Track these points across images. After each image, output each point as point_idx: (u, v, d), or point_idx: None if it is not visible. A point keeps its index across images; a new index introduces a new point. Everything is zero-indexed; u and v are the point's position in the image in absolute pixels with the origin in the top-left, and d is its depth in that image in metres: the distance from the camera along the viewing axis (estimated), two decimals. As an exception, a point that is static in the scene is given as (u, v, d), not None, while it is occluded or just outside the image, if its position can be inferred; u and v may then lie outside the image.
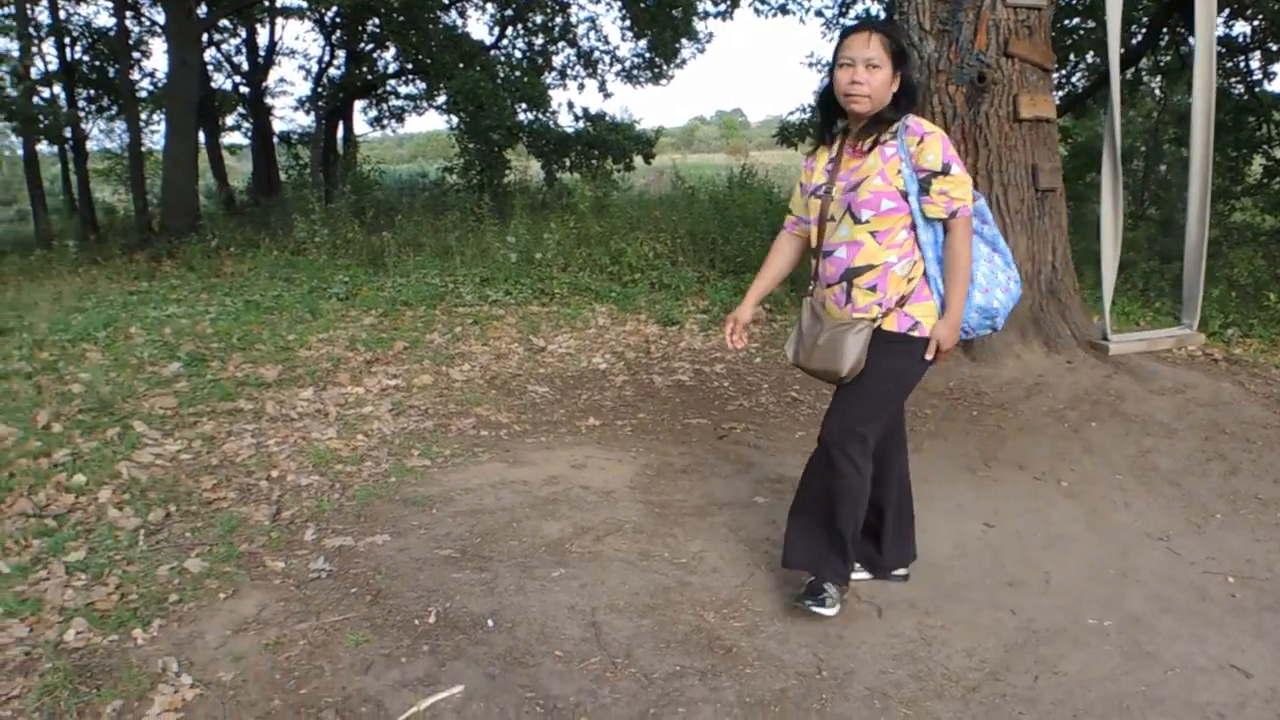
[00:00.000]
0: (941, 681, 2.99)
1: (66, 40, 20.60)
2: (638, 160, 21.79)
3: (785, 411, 5.75)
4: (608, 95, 27.56)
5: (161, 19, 19.66)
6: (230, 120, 25.75)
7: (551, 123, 21.17)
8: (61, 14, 20.20)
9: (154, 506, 4.35)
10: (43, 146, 22.09)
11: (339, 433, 5.33)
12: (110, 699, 2.92)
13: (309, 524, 4.17)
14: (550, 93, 21.14)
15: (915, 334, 3.14)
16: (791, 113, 18.96)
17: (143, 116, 21.38)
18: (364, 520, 4.22)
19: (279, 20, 22.76)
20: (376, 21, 22.09)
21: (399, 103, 25.47)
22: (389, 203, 17.09)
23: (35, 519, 4.29)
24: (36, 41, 19.40)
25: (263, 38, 23.53)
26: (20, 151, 22.41)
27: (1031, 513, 4.30)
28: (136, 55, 21.35)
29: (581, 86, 38.09)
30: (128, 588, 3.64)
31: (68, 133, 20.42)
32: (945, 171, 3.03)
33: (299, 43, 65.94)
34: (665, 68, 22.88)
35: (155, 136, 22.70)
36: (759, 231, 10.80)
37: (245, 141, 26.26)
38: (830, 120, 3.29)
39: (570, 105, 27.70)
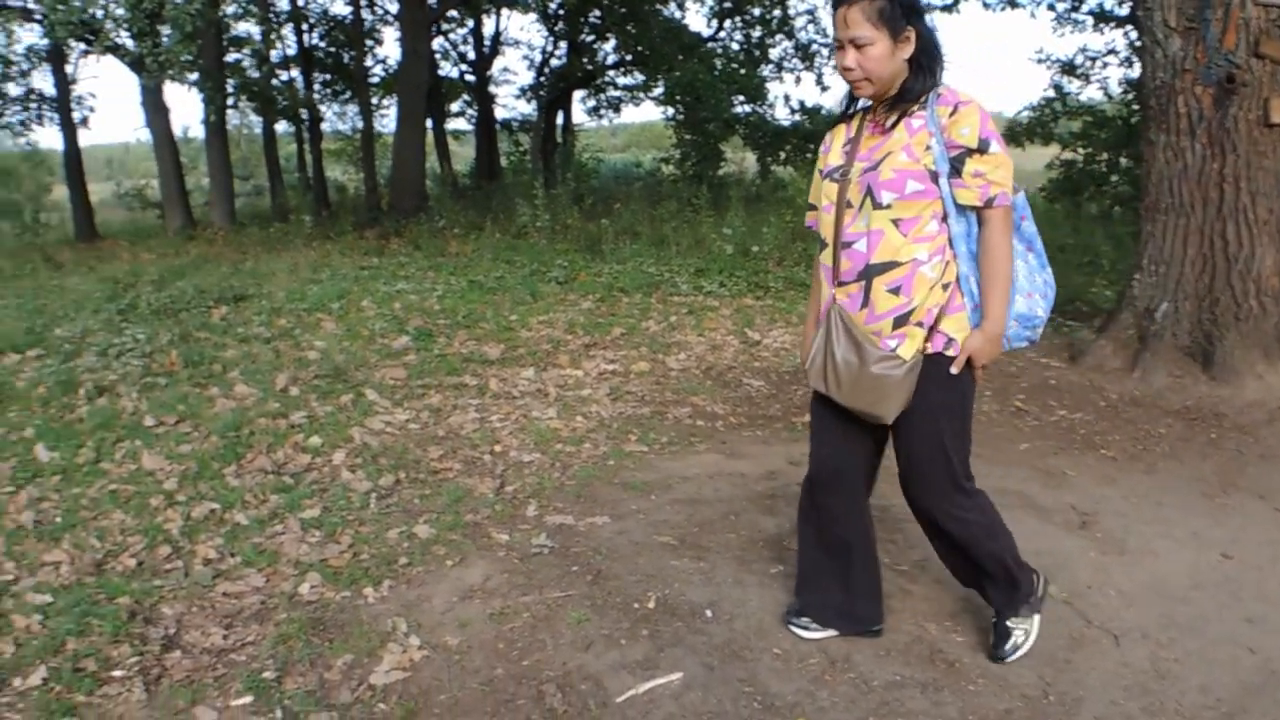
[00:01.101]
0: (1174, 718, 2.76)
1: (304, 27, 21.76)
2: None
3: (1009, 421, 5.48)
4: (825, 88, 27.22)
5: (394, 9, 20.54)
6: (454, 107, 26.69)
7: (768, 115, 21.05)
8: (300, 1, 21.35)
9: (384, 472, 4.49)
10: (280, 126, 23.46)
11: (559, 413, 5.38)
12: (341, 652, 3.01)
13: (530, 500, 4.22)
14: (766, 85, 21.04)
15: (951, 354, 2.66)
16: (1020, 111, 18.19)
17: (373, 101, 22.39)
18: (584, 501, 4.24)
19: (504, 11, 23.39)
20: (598, 13, 22.46)
21: (617, 93, 25.82)
22: (606, 191, 17.34)
23: (273, 475, 4.49)
24: (276, 27, 20.58)
25: (488, 28, 24.26)
26: (259, 130, 23.85)
27: (1273, 545, 3.95)
28: (369, 43, 22.38)
29: (798, 79, 37.81)
30: (359, 547, 3.75)
31: (304, 114, 21.62)
32: (983, 149, 2.51)
33: (523, 33, 67.79)
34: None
35: (384, 120, 23.80)
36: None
37: (468, 128, 27.16)
38: (853, 97, 2.74)
39: (786, 98, 27.47)
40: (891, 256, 2.59)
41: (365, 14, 21.29)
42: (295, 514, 4.05)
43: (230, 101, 19.58)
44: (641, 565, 3.62)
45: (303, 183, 22.63)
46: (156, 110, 17.11)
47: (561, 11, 22.37)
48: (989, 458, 4.88)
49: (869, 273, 2.62)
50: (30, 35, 19.86)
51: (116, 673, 2.94)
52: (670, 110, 19.86)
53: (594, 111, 26.47)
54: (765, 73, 22.36)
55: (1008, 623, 3.00)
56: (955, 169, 2.54)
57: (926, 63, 2.58)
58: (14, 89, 18.08)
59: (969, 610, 3.31)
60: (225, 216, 17.10)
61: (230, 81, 18.49)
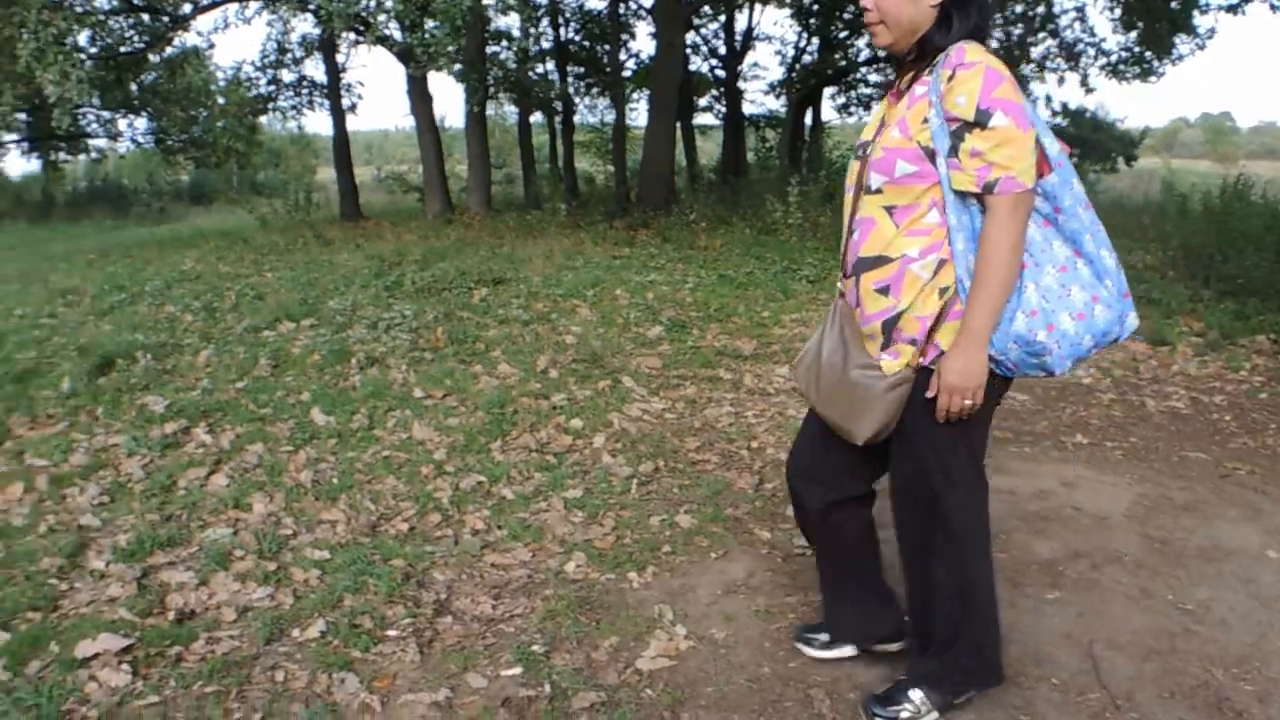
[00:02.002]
0: None
1: (560, 21, 22.36)
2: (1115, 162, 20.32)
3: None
4: (1089, 90, 25.96)
5: (648, 3, 20.83)
6: (703, 101, 26.87)
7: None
8: (557, -4, 21.94)
9: (644, 459, 4.56)
10: (534, 117, 24.22)
11: (813, 413, 5.33)
12: (608, 634, 3.07)
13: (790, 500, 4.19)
14: (1029, 85, 20.21)
15: None
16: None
17: (625, 95, 22.80)
18: (842, 505, 4.18)
19: (758, 6, 23.36)
20: (853, 9, 22.10)
21: (868, 90, 25.40)
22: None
23: (537, 454, 4.64)
24: (535, 22, 21.23)
25: (740, 23, 24.28)
26: (514, 120, 24.68)
27: None
28: (624, 37, 22.77)
29: (1061, 80, 36.16)
30: (622, 531, 3.82)
31: (557, 106, 22.24)
32: (981, 122, 2.07)
33: (775, 29, 67.39)
34: (1156, 64, 21.11)
35: (634, 114, 24.22)
36: (1265, 252, 9.65)
37: (716, 123, 27.29)
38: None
39: (1048, 99, 26.34)
40: (881, 250, 2.26)
41: (620, 8, 21.70)
42: (558, 493, 4.17)
43: (490, 93, 20.37)
44: (906, 577, 3.53)
45: (553, 173, 23.29)
46: (421, 99, 17.94)
47: (815, 7, 22.15)
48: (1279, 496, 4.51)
49: (858, 267, 2.31)
50: (304, 25, 21.21)
51: (391, 632, 3.10)
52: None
53: (843, 109, 26.13)
54: (1026, 72, 21.48)
55: (910, 691, 2.59)
56: (953, 147, 2.13)
57: (957, 15, 2.17)
58: (288, 75, 19.48)
59: (1258, 657, 3.08)
60: (481, 203, 17.77)
61: (491, 74, 19.23)
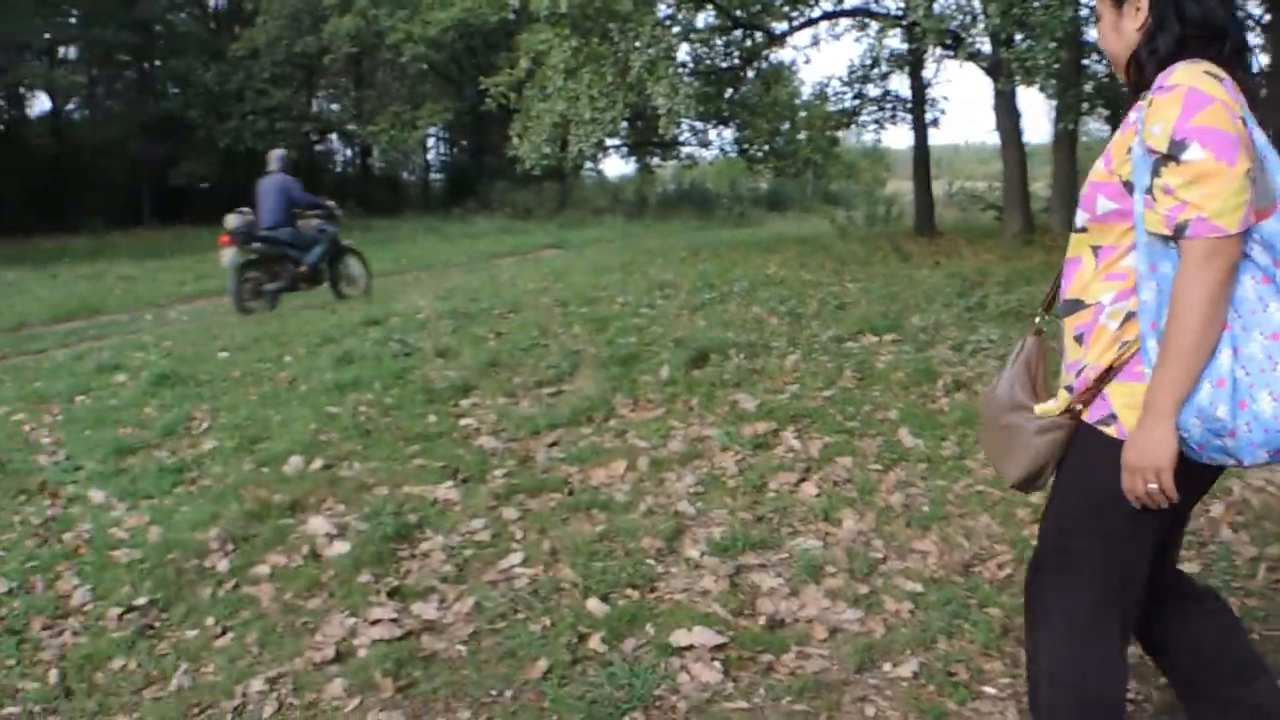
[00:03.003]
0: None
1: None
2: None
3: None
4: None
5: (1262, 15, 18.52)
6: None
7: None
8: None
9: (1272, 540, 3.98)
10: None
11: None
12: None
13: None
14: None
15: (1110, 432, 1.94)
16: None
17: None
18: None
19: None
20: None
21: None
22: None
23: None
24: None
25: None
26: (1099, 136, 23.14)
27: None
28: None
29: None
30: (1249, 623, 3.34)
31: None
32: (1174, 154, 1.74)
33: None
34: None
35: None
36: None
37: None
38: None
39: None
40: (1080, 294, 2.02)
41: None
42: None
43: (1083, 108, 19.30)
44: None
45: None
46: (1008, 114, 17.39)
47: None
48: None
49: (1062, 311, 2.09)
50: (892, 40, 21.44)
51: (988, 689, 2.93)
52: None
53: None
54: None
55: None
56: (1150, 183, 1.81)
57: (1161, 38, 1.91)
58: (873, 90, 19.77)
59: None
60: (1064, 223, 16.86)
61: (1083, 87, 18.19)
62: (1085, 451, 2.00)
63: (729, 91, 18.50)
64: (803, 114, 20.54)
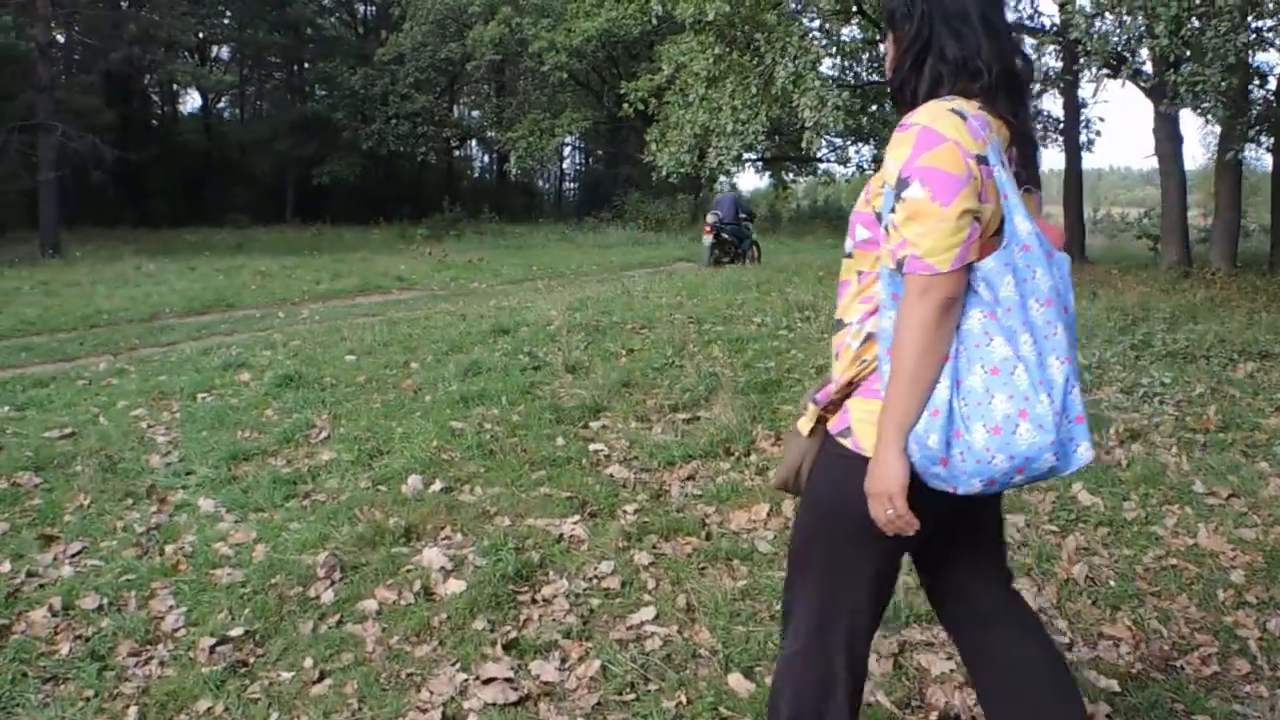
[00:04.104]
0: None
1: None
2: None
3: None
4: None
5: None
6: None
7: None
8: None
9: None
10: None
11: None
12: None
13: None
14: None
15: (847, 444, 1.92)
16: None
17: None
18: None
19: None
20: None
21: None
22: None
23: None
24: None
25: None
26: (1263, 165, 21.84)
27: None
28: None
29: None
30: None
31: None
32: (899, 192, 1.76)
33: None
34: None
35: None
36: None
37: None
38: None
39: None
40: (842, 314, 2.05)
41: None
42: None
43: (1250, 135, 18.18)
44: None
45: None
46: (1169, 139, 16.48)
47: None
48: None
49: (832, 329, 2.09)
50: (1046, 58, 20.61)
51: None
52: None
53: None
54: None
55: None
56: (887, 217, 1.84)
57: (911, 75, 1.93)
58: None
59: None
60: (1226, 257, 15.90)
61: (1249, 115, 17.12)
62: (825, 461, 2.01)
63: (872, 107, 17.97)
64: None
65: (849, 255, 2.04)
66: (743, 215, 17.95)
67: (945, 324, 1.77)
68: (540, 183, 42.90)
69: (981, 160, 1.77)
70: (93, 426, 5.63)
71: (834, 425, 1.98)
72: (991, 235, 1.82)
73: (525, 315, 8.94)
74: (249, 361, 7.29)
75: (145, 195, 29.48)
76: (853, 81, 16.22)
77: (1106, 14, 11.92)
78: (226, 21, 31.69)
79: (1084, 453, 1.81)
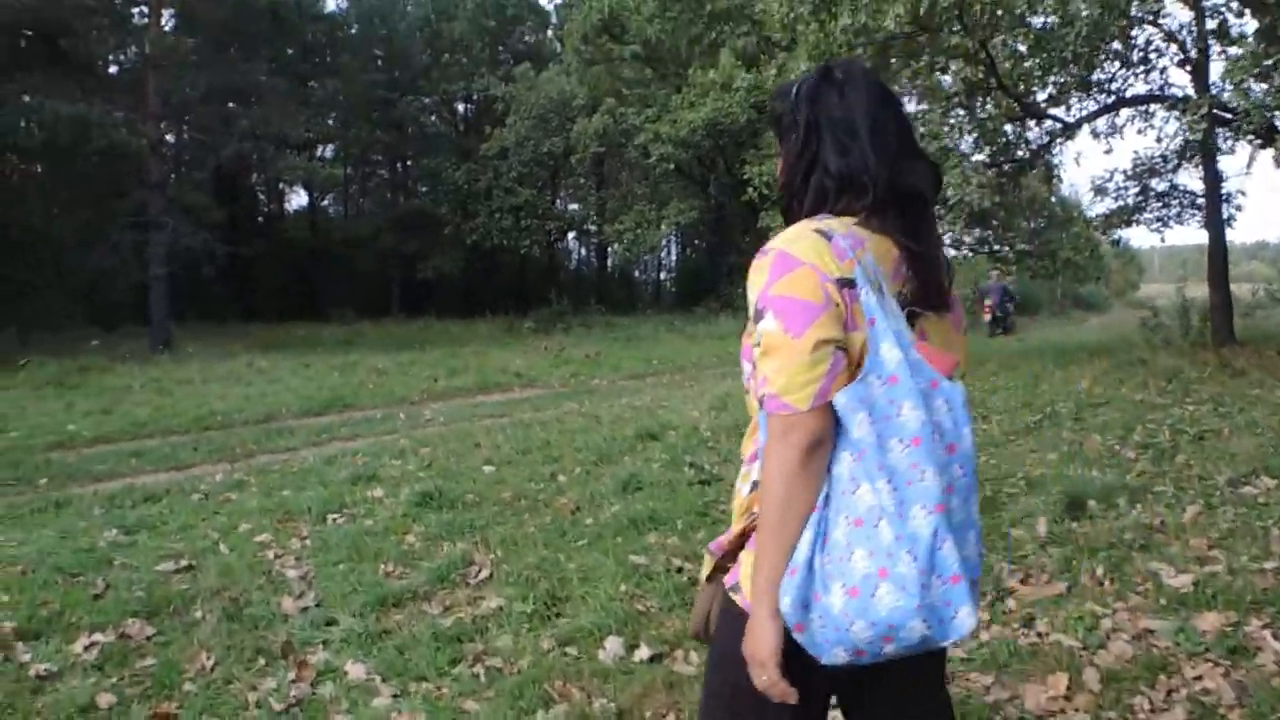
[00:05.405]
0: None
1: None
2: None
3: None
4: None
5: None
6: None
7: None
8: None
9: None
10: None
11: None
12: None
13: None
14: None
15: (737, 600, 1.73)
16: None
17: None
18: None
19: None
20: None
21: None
22: None
23: None
24: None
25: None
26: None
27: None
28: None
29: None
30: None
31: None
32: (755, 323, 1.62)
33: None
34: None
35: None
36: None
37: None
38: None
39: None
40: (742, 449, 1.85)
41: None
42: None
43: None
44: None
45: None
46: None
47: None
48: None
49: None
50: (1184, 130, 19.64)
51: None
52: None
53: None
54: None
55: None
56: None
57: (802, 182, 1.75)
58: (1159, 184, 18.01)
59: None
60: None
61: None
62: (722, 617, 1.79)
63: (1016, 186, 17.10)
64: (1076, 212, 19.01)
65: (746, 391, 1.78)
66: (1007, 300, 24.10)
67: (809, 468, 1.57)
68: (637, 273, 42.60)
69: (847, 284, 1.57)
70: (213, 556, 4.91)
71: (728, 579, 1.79)
72: None
73: (666, 417, 8.20)
74: (379, 474, 6.60)
75: (253, 291, 29.77)
76: (994, 158, 15.35)
77: (1258, 80, 11.05)
78: (331, 122, 32.17)
79: (963, 620, 1.53)
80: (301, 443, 8.65)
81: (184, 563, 4.82)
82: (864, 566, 1.52)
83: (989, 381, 11.43)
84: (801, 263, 1.59)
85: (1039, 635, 3.66)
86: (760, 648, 1.59)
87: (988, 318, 23.70)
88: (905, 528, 1.51)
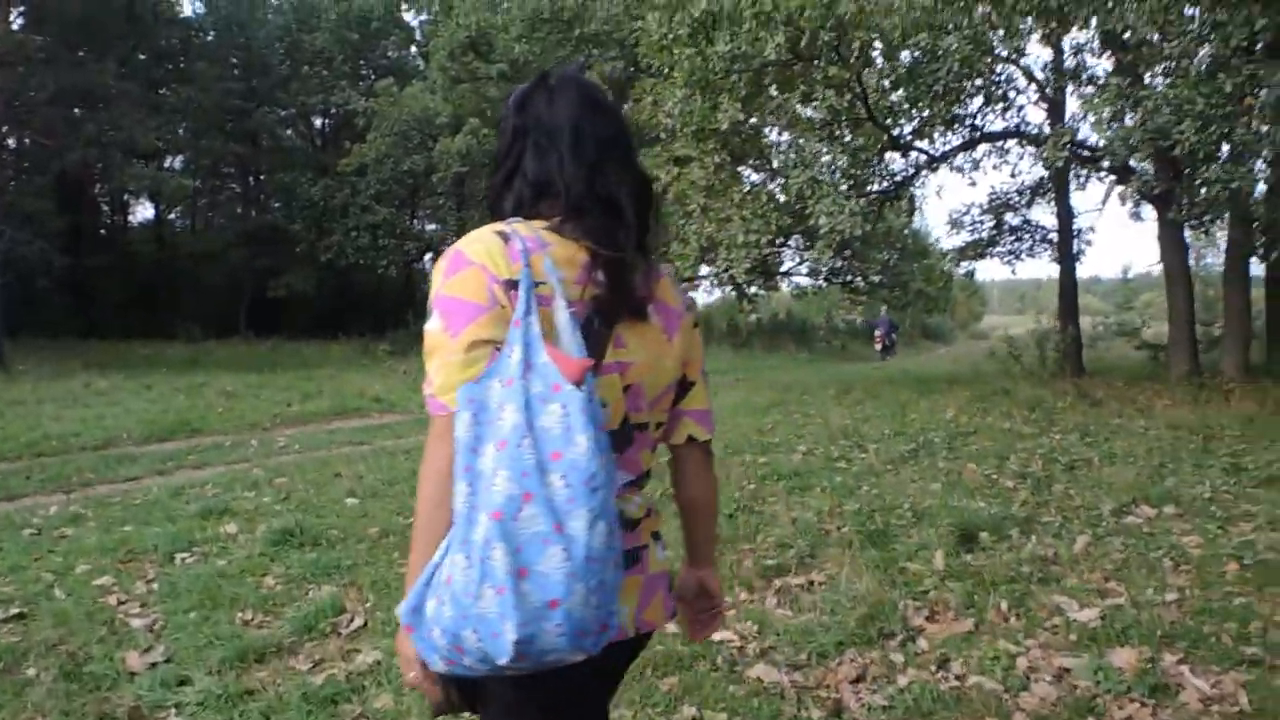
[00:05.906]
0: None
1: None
2: None
3: None
4: None
5: None
6: None
7: None
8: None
9: None
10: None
11: None
12: None
13: None
14: None
15: None
16: None
17: None
18: None
19: None
20: None
21: None
22: None
23: None
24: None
25: None
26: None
27: None
28: None
29: None
30: None
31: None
32: (427, 318, 1.58)
33: None
34: None
35: None
36: None
37: None
38: None
39: None
40: None
41: None
42: None
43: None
44: None
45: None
46: (1174, 248, 16.03)
47: None
48: None
49: None
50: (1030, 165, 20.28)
51: None
52: None
53: None
54: None
55: None
56: None
57: (504, 180, 1.75)
58: (1012, 219, 18.71)
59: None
60: (1238, 366, 15.26)
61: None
62: None
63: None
64: (930, 245, 19.43)
65: None
66: (892, 331, 31.23)
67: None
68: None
69: (514, 285, 1.54)
70: (46, 602, 4.36)
71: None
72: None
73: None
74: (232, 507, 6.08)
75: (93, 304, 28.14)
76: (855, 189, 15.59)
77: (1124, 116, 11.49)
78: (182, 131, 30.79)
79: (507, 638, 1.39)
80: (145, 471, 7.96)
81: (14, 610, 4.26)
82: (445, 572, 1.48)
83: (858, 410, 11.51)
84: (471, 263, 1.58)
85: (958, 679, 3.47)
86: (405, 645, 1.57)
87: (878, 346, 28.76)
88: (471, 533, 1.45)
